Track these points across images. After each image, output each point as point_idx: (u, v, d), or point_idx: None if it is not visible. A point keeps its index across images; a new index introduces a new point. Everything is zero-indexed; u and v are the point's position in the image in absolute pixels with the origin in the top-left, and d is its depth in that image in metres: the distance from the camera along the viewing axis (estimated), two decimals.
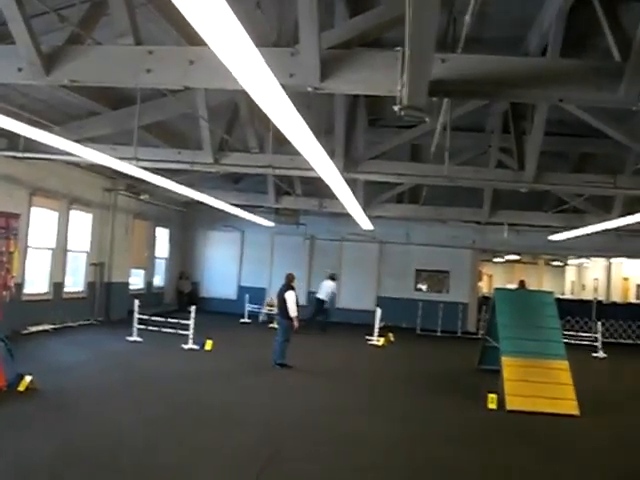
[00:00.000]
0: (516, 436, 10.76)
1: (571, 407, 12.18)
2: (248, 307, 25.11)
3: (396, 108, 6.90)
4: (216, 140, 13.73)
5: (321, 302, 24.06)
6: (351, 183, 14.95)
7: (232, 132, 14.20)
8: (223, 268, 28.80)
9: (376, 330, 21.47)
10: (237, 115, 14.17)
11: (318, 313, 23.95)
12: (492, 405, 12.31)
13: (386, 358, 19.13)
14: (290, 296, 15.52)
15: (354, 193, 15.25)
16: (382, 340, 21.21)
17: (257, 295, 26.55)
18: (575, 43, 9.69)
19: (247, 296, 25.59)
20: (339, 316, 26.36)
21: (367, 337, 21.40)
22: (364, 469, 8.51)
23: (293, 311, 15.41)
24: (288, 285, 15.85)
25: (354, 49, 7.50)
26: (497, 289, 16.39)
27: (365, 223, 20.73)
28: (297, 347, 16.03)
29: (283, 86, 6.41)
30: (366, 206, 18.62)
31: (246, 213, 22.25)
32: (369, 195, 19.01)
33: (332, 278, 24.58)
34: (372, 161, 13.87)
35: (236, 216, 22.85)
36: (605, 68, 7.01)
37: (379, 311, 21.81)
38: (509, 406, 12.16)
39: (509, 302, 14.64)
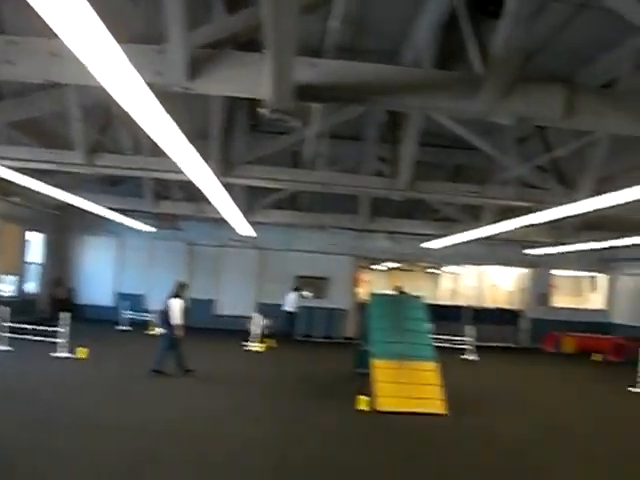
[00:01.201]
0: (385, 435, 11.09)
1: (439, 407, 12.60)
2: (126, 314, 24.62)
3: (263, 111, 7.01)
4: (89, 140, 13.42)
5: (289, 314, 24.49)
6: (231, 188, 14.97)
7: (106, 133, 13.93)
8: (100, 274, 28.06)
9: (256, 336, 21.50)
10: (111, 115, 13.92)
11: (289, 325, 24.48)
12: (363, 406, 12.57)
13: (265, 363, 19.17)
14: (175, 304, 15.36)
15: (234, 198, 15.25)
16: (261, 346, 21.27)
17: (136, 302, 26.11)
18: (449, 57, 10.03)
19: (125, 303, 25.14)
20: (219, 323, 26.26)
21: (247, 343, 21.39)
22: (238, 470, 8.61)
23: (176, 319, 15.25)
24: (176, 293, 15.65)
25: (224, 50, 7.49)
26: (373, 294, 16.74)
27: (244, 229, 20.75)
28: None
29: (150, 85, 6.37)
30: (247, 212, 18.64)
31: (124, 218, 21.88)
32: (250, 201, 19.02)
33: (296, 289, 25.07)
34: (250, 166, 13.86)
35: (114, 221, 22.45)
36: (467, 80, 7.31)
37: (258, 317, 21.85)
38: (379, 407, 12.46)
39: (382, 307, 15.00)
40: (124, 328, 24.16)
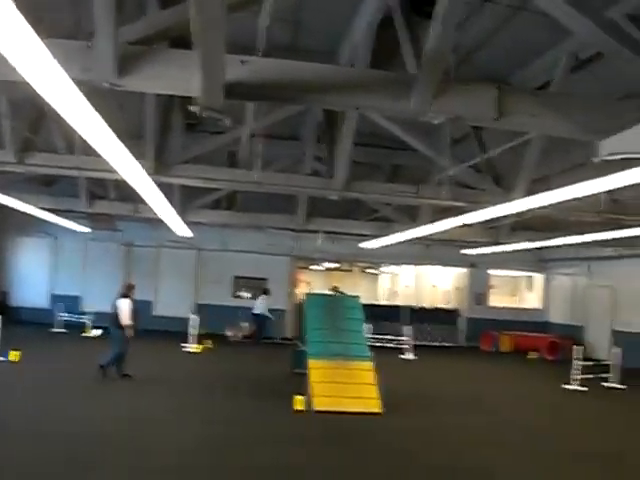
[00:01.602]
0: (321, 435, 11.09)
1: (374, 406, 12.65)
2: (62, 316, 24.15)
3: (194, 109, 6.91)
4: (20, 138, 13.11)
5: (259, 316, 24.60)
6: (167, 188, 14.79)
7: (38, 131, 13.61)
8: (35, 276, 27.44)
9: (193, 337, 21.31)
10: (43, 112, 13.62)
11: (261, 327, 24.68)
12: (299, 407, 12.55)
13: (202, 365, 19.05)
14: (124, 304, 15.14)
15: (171, 198, 15.06)
16: (199, 347, 21.09)
17: (72, 304, 25.60)
18: (385, 57, 10.05)
19: (60, 305, 24.66)
20: (157, 324, 25.94)
21: (184, 344, 21.17)
22: (175, 472, 8.58)
23: (125, 319, 15.04)
24: (124, 294, 15.44)
25: (155, 46, 7.36)
26: (308, 294, 16.76)
27: (181, 229, 20.54)
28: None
29: (78, 81, 6.23)
30: (183, 212, 18.46)
31: (58, 218, 21.45)
32: (187, 201, 18.83)
33: (265, 292, 25.12)
34: (185, 165, 13.69)
35: (49, 221, 22.00)
36: (401, 80, 7.32)
37: (196, 318, 21.68)
38: (316, 407, 12.46)
39: (318, 307, 15.00)
40: (59, 330, 23.71)
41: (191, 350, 20.86)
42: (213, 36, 5.09)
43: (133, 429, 10.75)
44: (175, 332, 22.86)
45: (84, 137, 8.20)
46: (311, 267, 40.21)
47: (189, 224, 20.21)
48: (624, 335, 23.15)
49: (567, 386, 17.54)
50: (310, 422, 11.90)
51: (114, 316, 15.21)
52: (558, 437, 12.09)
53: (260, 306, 24.81)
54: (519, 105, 7.52)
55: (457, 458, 10.21)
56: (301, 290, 31.72)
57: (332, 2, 9.67)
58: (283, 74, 7.03)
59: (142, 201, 15.42)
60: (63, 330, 23.73)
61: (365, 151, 15.44)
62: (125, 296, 15.40)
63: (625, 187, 9.93)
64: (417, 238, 20.21)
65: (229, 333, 25.99)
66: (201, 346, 21.22)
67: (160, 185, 13.27)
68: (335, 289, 24.02)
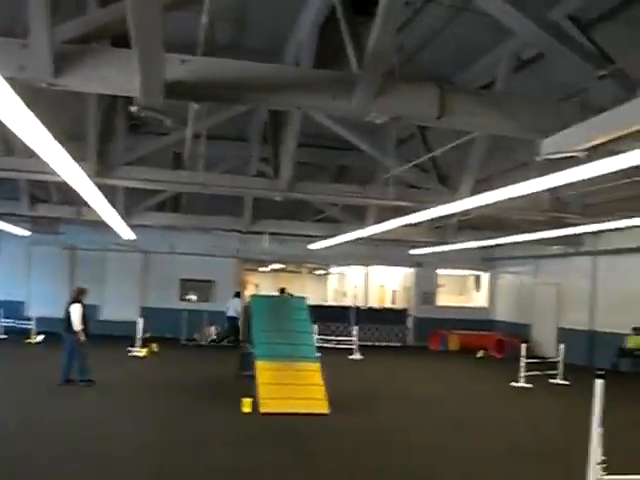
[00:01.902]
0: (268, 437, 11.04)
1: (322, 406, 12.64)
2: (2, 322, 23.67)
3: (133, 109, 6.79)
4: None
5: (232, 319, 24.80)
6: (111, 190, 14.57)
7: None
8: None
9: (139, 341, 21.05)
10: None
11: (233, 330, 24.77)
12: (247, 409, 12.48)
13: (148, 369, 18.84)
14: (75, 310, 14.86)
15: (115, 200, 14.84)
16: (145, 351, 20.85)
17: (14, 309, 24.99)
18: (330, 56, 10.01)
19: (1, 310, 24.13)
20: (102, 328, 25.50)
21: (130, 348, 20.89)
22: (121, 475, 8.53)
23: (77, 325, 14.76)
24: (75, 299, 15.16)
25: (94, 45, 7.21)
26: (253, 296, 16.69)
27: (125, 232, 20.28)
28: (56, 362, 15.23)
29: (12, 80, 6.05)
30: (127, 214, 18.22)
31: None
32: (132, 203, 18.59)
33: (237, 295, 25.33)
34: (128, 167, 13.49)
35: None
36: (343, 79, 7.28)
37: (141, 321, 21.41)
38: (263, 409, 12.40)
39: (265, 308, 14.95)
40: (2, 336, 23.24)
41: (137, 354, 20.58)
42: (150, 35, 4.98)
43: (77, 434, 10.62)
44: (122, 336, 22.48)
45: (22, 139, 8.00)
46: (259, 269, 40.11)
47: (134, 227, 19.98)
48: (569, 332, 23.55)
49: (514, 384, 17.73)
50: (257, 424, 11.82)
51: (66, 322, 14.93)
52: (502, 435, 12.21)
53: (233, 309, 25.00)
54: (461, 104, 7.53)
55: (402, 458, 10.20)
56: (249, 292, 31.62)
57: (276, 1, 9.60)
58: (224, 73, 6.94)
59: (86, 204, 15.18)
60: (4, 336, 23.30)
61: (311, 152, 15.47)
62: (77, 301, 15.13)
63: (567, 185, 10.07)
64: (364, 238, 20.27)
65: (197, 336, 25.78)
66: (147, 350, 20.94)
67: (103, 187, 13.06)
68: (283, 291, 24.00)
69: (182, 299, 27.75)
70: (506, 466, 10.03)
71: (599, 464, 7.45)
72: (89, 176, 11.43)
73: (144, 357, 20.47)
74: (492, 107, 7.72)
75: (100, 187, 12.81)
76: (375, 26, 6.34)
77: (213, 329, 26.07)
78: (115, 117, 13.51)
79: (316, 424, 11.97)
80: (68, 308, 15.00)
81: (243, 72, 7.05)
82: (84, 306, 15.23)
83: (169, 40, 5.48)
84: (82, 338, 14.83)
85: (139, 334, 21.10)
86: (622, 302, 21.33)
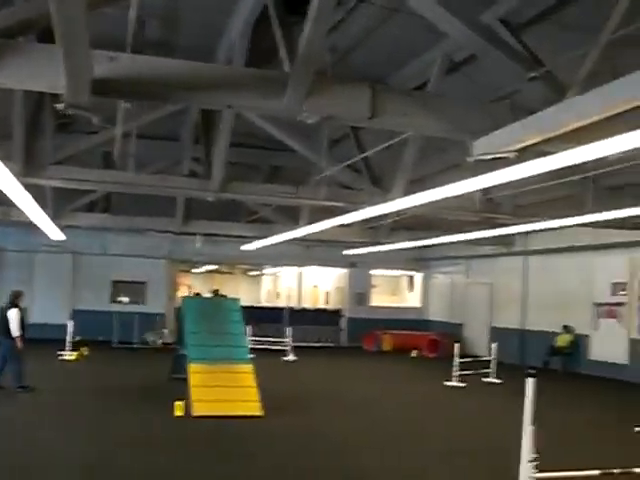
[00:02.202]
0: (200, 440, 10.92)
1: (255, 409, 12.53)
2: None
3: (59, 106, 6.61)
4: None
5: None
6: (38, 190, 14.22)
7: None
8: None
9: (69, 344, 20.64)
10: None
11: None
12: (179, 412, 12.31)
13: (78, 372, 18.48)
14: (13, 314, 14.41)
15: (43, 201, 14.49)
16: (75, 354, 20.45)
17: None
18: (263, 55, 9.93)
19: None
20: (32, 332, 24.80)
21: (60, 352, 20.46)
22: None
23: (15, 330, 14.30)
24: (12, 303, 14.68)
25: (19, 39, 6.97)
26: (185, 298, 16.52)
27: (54, 233, 19.85)
28: None
29: None
30: (56, 215, 17.82)
31: None
32: (60, 203, 18.19)
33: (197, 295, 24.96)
34: (56, 166, 13.20)
35: None
36: (275, 78, 7.21)
37: (71, 324, 21.00)
38: (195, 412, 12.23)
39: (197, 310, 14.80)
40: None
41: (67, 358, 20.18)
42: (75, 31, 4.84)
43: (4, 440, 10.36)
44: (52, 340, 22.02)
45: None
46: (193, 270, 39.79)
47: (64, 227, 19.56)
48: (502, 331, 23.92)
49: (448, 383, 17.90)
50: (190, 427, 11.68)
51: (4, 327, 14.47)
52: (437, 435, 12.27)
53: None
54: (393, 105, 7.54)
55: (338, 458, 10.16)
56: (182, 293, 31.34)
57: None
58: (153, 71, 6.80)
59: (14, 204, 14.81)
60: None
61: (244, 152, 15.35)
62: (15, 305, 14.68)
63: (498, 186, 10.19)
64: (298, 239, 20.24)
65: (150, 339, 25.34)
66: (78, 353, 20.55)
67: (31, 187, 12.73)
68: (216, 292, 23.81)
69: (114, 301, 27.33)
70: (442, 465, 10.08)
71: (530, 462, 7.51)
72: (16, 176, 11.09)
73: (75, 361, 20.08)
74: (424, 108, 7.74)
75: (27, 187, 12.47)
76: (306, 25, 6.29)
77: (166, 332, 25.67)
78: (43, 115, 13.19)
79: (250, 426, 11.87)
80: (5, 312, 14.56)
81: (173, 70, 6.93)
82: (21, 310, 14.82)
83: (98, 37, 5.35)
84: (20, 345, 14.38)
85: (69, 337, 20.68)
86: (553, 301, 21.77)
